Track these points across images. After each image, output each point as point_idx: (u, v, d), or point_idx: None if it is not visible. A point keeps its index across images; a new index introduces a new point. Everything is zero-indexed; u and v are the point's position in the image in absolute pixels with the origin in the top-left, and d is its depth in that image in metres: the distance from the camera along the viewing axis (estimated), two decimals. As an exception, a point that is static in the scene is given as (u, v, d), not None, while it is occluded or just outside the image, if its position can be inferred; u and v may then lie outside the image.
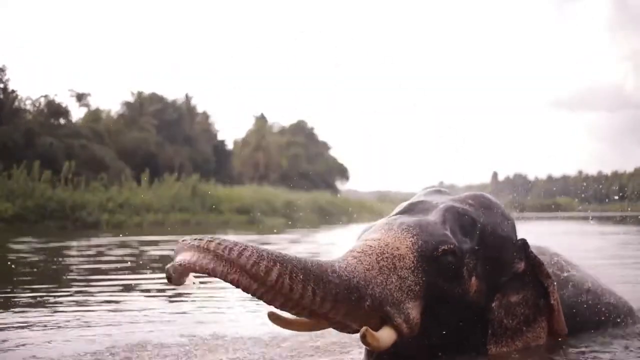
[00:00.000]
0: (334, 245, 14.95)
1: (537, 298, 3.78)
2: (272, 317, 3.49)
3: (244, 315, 5.46)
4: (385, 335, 3.27)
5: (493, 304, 3.64)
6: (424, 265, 3.42)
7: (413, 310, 3.36)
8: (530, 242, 3.88)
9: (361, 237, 3.69)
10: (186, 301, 6.32)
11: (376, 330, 3.24)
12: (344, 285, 3.18)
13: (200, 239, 3.07)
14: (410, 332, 3.36)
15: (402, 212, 3.85)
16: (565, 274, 4.28)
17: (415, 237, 3.48)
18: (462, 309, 3.54)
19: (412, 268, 3.40)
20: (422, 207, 3.82)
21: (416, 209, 3.83)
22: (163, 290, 6.95)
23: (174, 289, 6.67)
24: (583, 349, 3.91)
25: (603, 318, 4.33)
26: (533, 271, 3.79)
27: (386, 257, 3.38)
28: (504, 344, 3.66)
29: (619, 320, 4.45)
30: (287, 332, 3.99)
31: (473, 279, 3.56)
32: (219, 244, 3.03)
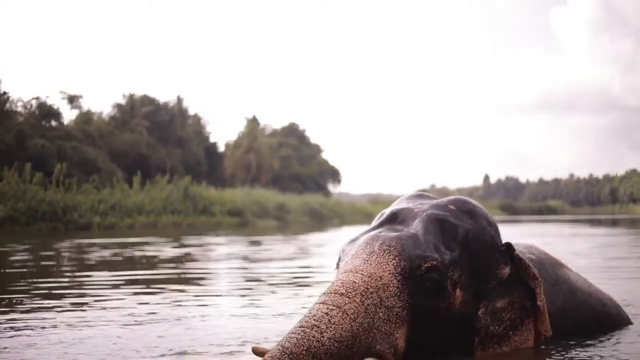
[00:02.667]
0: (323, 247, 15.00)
1: (524, 300, 3.73)
2: (256, 351, 3.45)
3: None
4: None
5: (479, 312, 3.59)
6: (408, 287, 3.38)
7: (400, 339, 3.33)
8: (518, 241, 3.86)
9: (344, 255, 3.67)
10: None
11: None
12: (329, 356, 3.13)
13: None
14: (396, 356, 3.32)
15: (384, 222, 3.81)
16: (554, 273, 4.26)
17: (396, 258, 3.42)
18: (448, 323, 3.50)
19: (398, 294, 3.36)
20: (403, 217, 3.78)
21: (398, 219, 3.78)
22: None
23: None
24: (570, 349, 3.91)
25: (591, 317, 4.32)
26: (519, 273, 3.74)
27: (371, 293, 3.32)
28: (490, 350, 3.62)
29: (607, 319, 4.45)
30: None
31: (457, 291, 3.51)
32: None
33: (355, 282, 3.35)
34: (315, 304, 3.31)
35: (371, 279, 3.36)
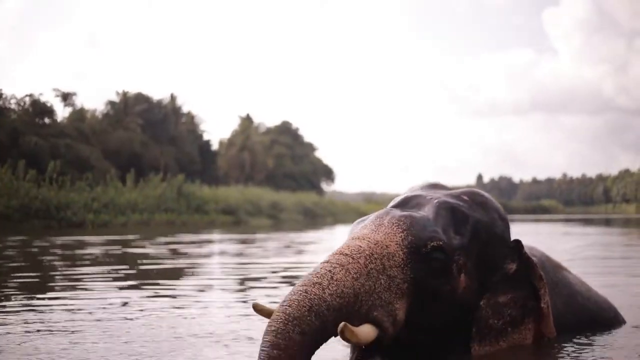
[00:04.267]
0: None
1: (527, 300, 3.75)
2: (257, 308, 3.49)
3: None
4: (366, 332, 3.25)
5: (481, 303, 3.61)
6: (412, 261, 3.40)
7: (400, 310, 3.35)
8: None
9: (352, 232, 3.70)
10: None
11: (358, 325, 3.25)
12: (332, 310, 3.16)
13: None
14: (394, 330, 3.35)
15: (396, 205, 3.85)
16: (555, 276, 4.27)
17: (404, 232, 3.46)
18: (450, 307, 3.52)
19: (402, 265, 3.39)
20: (416, 202, 3.81)
21: (410, 203, 3.81)
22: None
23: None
24: (569, 350, 3.92)
25: (590, 321, 4.33)
26: (525, 272, 3.75)
27: (375, 259, 3.35)
28: (487, 343, 3.63)
29: (605, 323, 4.47)
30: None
31: (462, 276, 3.53)
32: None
33: (361, 246, 3.41)
34: (320, 263, 3.36)
35: (377, 246, 3.41)
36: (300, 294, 3.16)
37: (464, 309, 3.58)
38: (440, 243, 3.46)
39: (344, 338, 3.15)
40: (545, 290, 3.77)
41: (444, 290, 3.48)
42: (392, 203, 3.94)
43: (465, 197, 3.82)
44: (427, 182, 4.15)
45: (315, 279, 3.22)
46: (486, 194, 3.94)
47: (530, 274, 3.76)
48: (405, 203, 3.85)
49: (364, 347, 3.42)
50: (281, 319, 3.08)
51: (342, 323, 3.11)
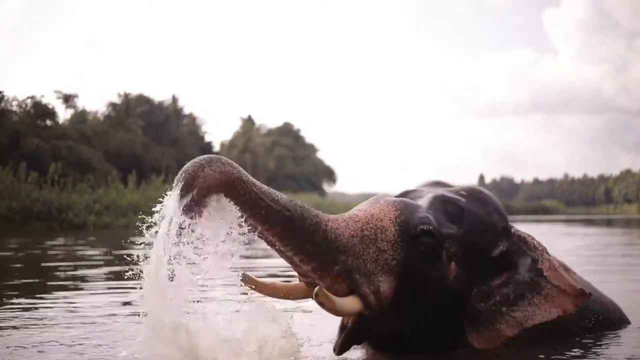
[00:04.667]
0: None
1: (520, 276, 3.63)
2: (246, 280, 3.54)
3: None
4: (349, 302, 3.31)
5: (473, 291, 3.59)
6: (403, 241, 3.45)
7: (384, 284, 3.38)
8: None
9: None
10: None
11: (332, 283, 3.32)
12: (323, 248, 3.29)
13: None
14: (378, 304, 3.37)
15: (396, 197, 3.89)
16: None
17: (398, 211, 3.52)
18: (440, 293, 3.52)
19: (392, 242, 3.44)
20: (414, 195, 3.85)
21: (408, 196, 3.86)
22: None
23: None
24: (574, 351, 3.90)
25: (594, 322, 4.30)
26: (517, 248, 3.67)
27: (370, 227, 3.44)
28: (483, 329, 3.56)
29: (610, 324, 4.46)
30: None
31: (453, 264, 3.53)
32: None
33: (358, 215, 3.51)
34: None
35: (372, 218, 3.50)
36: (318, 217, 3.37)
37: (455, 298, 3.56)
38: (430, 228, 3.48)
39: (318, 302, 3.22)
40: (545, 256, 3.65)
41: (433, 276, 3.49)
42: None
43: (464, 192, 3.83)
44: (431, 180, 4.18)
45: (324, 215, 3.42)
46: (486, 191, 3.93)
47: (525, 247, 3.69)
48: (404, 195, 3.90)
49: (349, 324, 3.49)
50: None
51: (318, 287, 3.20)
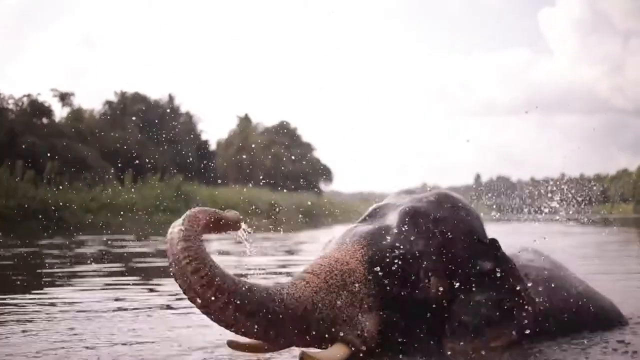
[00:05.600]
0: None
1: (504, 301, 3.62)
2: (232, 344, 3.54)
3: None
4: (335, 352, 3.28)
5: (456, 301, 3.57)
6: (375, 275, 3.41)
7: (367, 323, 3.35)
8: (509, 239, 3.84)
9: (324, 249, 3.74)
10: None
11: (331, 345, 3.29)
12: (289, 315, 3.22)
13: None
14: (365, 344, 3.35)
15: (366, 217, 3.87)
16: (554, 275, 4.25)
17: (365, 247, 3.49)
18: (425, 311, 3.49)
19: (363, 280, 3.40)
20: (383, 212, 3.82)
21: (378, 214, 3.83)
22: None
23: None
24: (570, 350, 3.90)
25: (590, 320, 4.31)
26: (503, 273, 3.66)
27: (335, 275, 3.38)
28: (462, 339, 3.54)
29: (606, 322, 4.45)
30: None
31: (433, 278, 3.50)
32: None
33: (321, 264, 3.45)
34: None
35: (337, 263, 3.44)
36: (268, 290, 3.25)
37: (439, 309, 3.54)
38: (403, 252, 3.46)
39: None
40: (525, 289, 3.67)
41: (415, 296, 3.46)
42: (364, 214, 3.94)
43: (432, 199, 3.79)
44: (400, 190, 4.13)
45: (277, 285, 3.31)
46: (455, 194, 3.90)
47: (509, 274, 3.68)
48: (374, 215, 3.86)
49: None
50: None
51: (300, 351, 3.17)
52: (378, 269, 3.43)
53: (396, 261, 3.44)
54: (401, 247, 3.48)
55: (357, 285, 3.38)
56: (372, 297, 3.38)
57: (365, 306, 3.36)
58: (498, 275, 3.66)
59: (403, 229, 3.57)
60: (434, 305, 3.52)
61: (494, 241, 3.75)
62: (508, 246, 3.89)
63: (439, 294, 3.53)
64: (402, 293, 3.44)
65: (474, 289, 3.61)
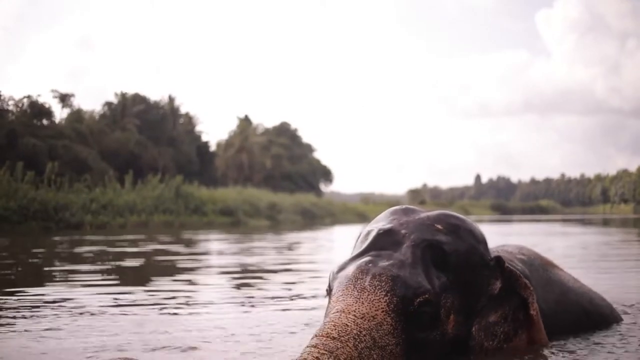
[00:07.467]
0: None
1: (517, 312, 3.66)
2: None
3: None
4: None
5: (473, 329, 3.53)
6: (402, 323, 3.28)
7: None
8: (510, 241, 3.84)
9: (334, 284, 3.53)
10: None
11: None
12: None
13: None
14: None
15: (371, 246, 3.64)
16: (545, 274, 4.26)
17: (389, 294, 3.31)
18: (443, 347, 3.43)
19: (391, 331, 3.26)
20: (390, 240, 3.62)
21: (387, 244, 3.61)
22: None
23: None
24: (566, 349, 3.90)
25: (584, 317, 4.32)
26: (510, 284, 3.66)
27: (364, 336, 3.20)
28: None
29: (600, 319, 4.46)
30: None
31: (451, 316, 3.45)
32: None
33: (347, 325, 3.23)
34: (307, 347, 3.16)
35: (364, 320, 3.24)
36: None
37: (457, 342, 3.49)
38: (427, 296, 3.34)
39: None
40: (533, 297, 3.68)
41: (434, 337, 3.39)
42: (365, 240, 3.71)
43: (439, 227, 3.66)
44: (395, 208, 3.96)
45: None
46: (459, 216, 3.81)
47: (516, 285, 3.68)
48: (382, 245, 3.62)
49: None
50: None
51: None
52: (404, 316, 3.29)
53: (423, 305, 3.32)
54: (425, 289, 3.35)
55: (385, 338, 3.23)
56: (400, 346, 3.26)
57: (393, 356, 3.24)
58: (506, 289, 3.66)
59: (419, 267, 3.45)
60: (450, 341, 3.45)
61: (498, 259, 3.70)
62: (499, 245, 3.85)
63: (456, 328, 3.48)
64: (424, 336, 3.35)
65: (487, 310, 3.60)
